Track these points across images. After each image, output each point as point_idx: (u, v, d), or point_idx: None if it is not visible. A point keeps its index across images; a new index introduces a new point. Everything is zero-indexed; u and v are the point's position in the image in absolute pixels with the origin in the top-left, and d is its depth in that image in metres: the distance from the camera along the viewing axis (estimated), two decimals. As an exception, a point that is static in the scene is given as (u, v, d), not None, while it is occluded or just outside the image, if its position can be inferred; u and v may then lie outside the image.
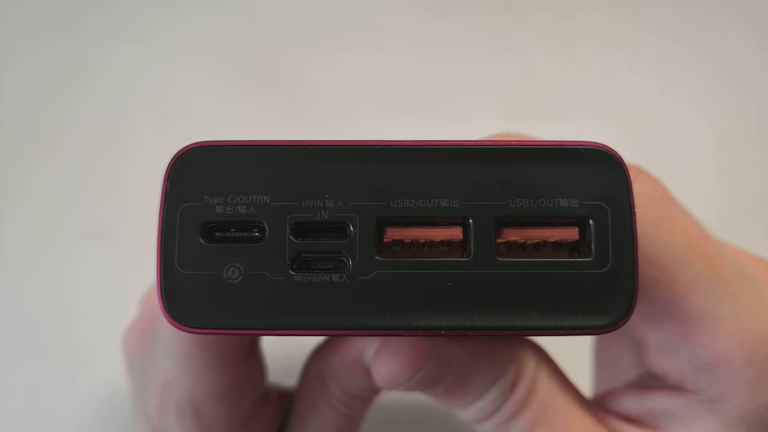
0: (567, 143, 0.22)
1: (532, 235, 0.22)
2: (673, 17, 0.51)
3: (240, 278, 0.21)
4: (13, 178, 0.45)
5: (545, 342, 0.28)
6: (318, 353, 0.29)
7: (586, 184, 0.21)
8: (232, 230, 0.21)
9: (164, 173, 0.21)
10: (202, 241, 0.21)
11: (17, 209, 0.44)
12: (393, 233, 0.21)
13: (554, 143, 0.22)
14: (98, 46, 0.48)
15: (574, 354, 0.32)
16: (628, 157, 0.27)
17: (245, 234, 0.21)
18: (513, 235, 0.22)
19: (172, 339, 0.27)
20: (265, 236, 0.21)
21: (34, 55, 0.48)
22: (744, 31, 0.51)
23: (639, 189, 0.25)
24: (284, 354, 0.33)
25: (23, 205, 0.44)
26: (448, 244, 0.22)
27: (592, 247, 0.21)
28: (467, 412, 0.27)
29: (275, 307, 0.21)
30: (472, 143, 0.22)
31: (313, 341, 0.30)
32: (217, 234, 0.21)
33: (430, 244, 0.22)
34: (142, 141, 0.44)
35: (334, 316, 0.21)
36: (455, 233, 0.21)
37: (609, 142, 0.27)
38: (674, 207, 0.26)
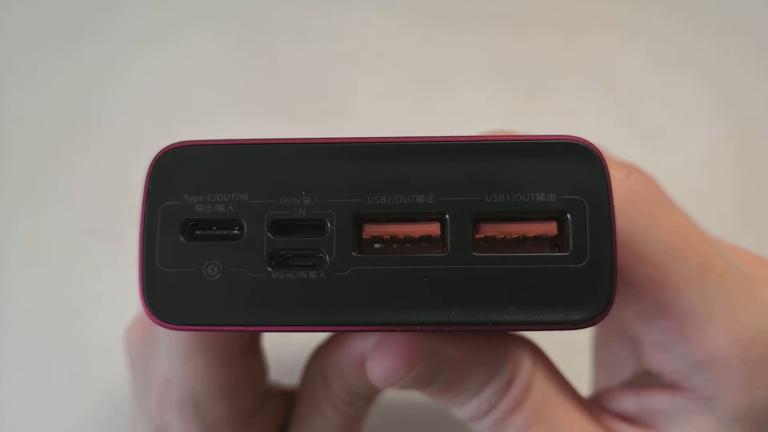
0: (544, 137, 0.21)
1: (509, 231, 0.21)
2: (670, 30, 0.51)
3: (219, 275, 0.21)
4: (14, 179, 0.46)
5: (542, 340, 0.28)
6: (320, 352, 0.29)
7: (564, 179, 0.21)
8: (214, 228, 0.22)
9: (146, 172, 0.22)
10: (182, 239, 0.21)
11: (18, 209, 0.45)
12: (371, 230, 0.22)
13: (531, 138, 0.22)
14: (100, 48, 0.49)
15: (571, 352, 0.32)
16: (629, 156, 0.27)
17: (224, 232, 0.22)
18: (490, 230, 0.21)
19: (171, 337, 0.27)
20: (243, 234, 0.21)
21: (36, 58, 0.49)
22: (741, 38, 0.50)
23: (632, 186, 0.25)
24: (286, 353, 0.33)
25: (24, 205, 0.45)
26: (428, 240, 0.22)
27: (570, 242, 0.21)
28: (463, 411, 0.27)
29: (253, 303, 0.21)
30: (447, 139, 0.22)
31: (314, 339, 0.30)
32: (197, 232, 0.22)
33: (410, 240, 0.22)
34: (143, 141, 0.45)
35: (311, 312, 0.21)
36: (433, 229, 0.21)
37: (610, 140, 0.27)
38: (668, 204, 0.25)
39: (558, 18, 0.51)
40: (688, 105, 0.49)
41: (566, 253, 0.21)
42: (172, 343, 0.27)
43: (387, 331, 0.22)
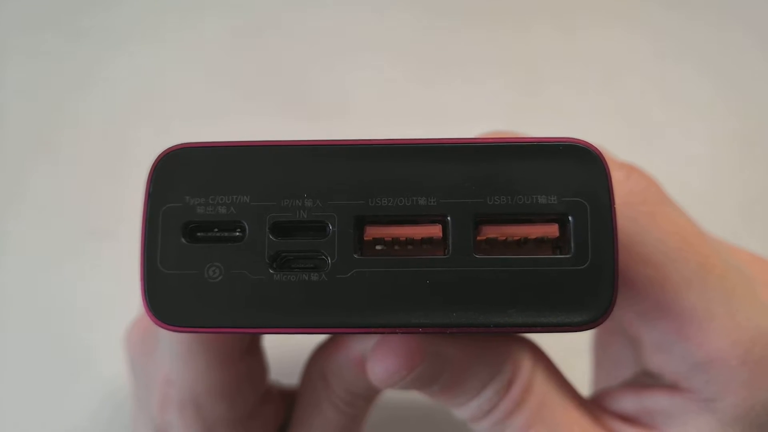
0: (545, 139, 0.21)
1: (511, 233, 0.21)
2: (672, 24, 0.51)
3: (221, 277, 0.21)
4: (14, 179, 0.46)
5: (542, 340, 0.28)
6: (320, 352, 0.29)
7: (565, 181, 0.21)
8: (215, 230, 0.22)
9: (147, 174, 0.22)
10: (184, 241, 0.21)
11: (19, 210, 0.45)
12: (373, 232, 0.22)
13: (532, 139, 0.22)
14: (99, 48, 0.49)
15: (572, 353, 0.32)
16: (629, 151, 0.27)
17: (226, 234, 0.22)
18: (492, 232, 0.21)
19: (172, 337, 0.27)
20: (245, 236, 0.21)
21: (34, 57, 0.49)
22: (742, 36, 0.50)
23: (633, 187, 0.25)
24: (286, 353, 0.33)
25: (25, 205, 0.45)
26: (429, 242, 0.22)
27: (572, 244, 0.21)
28: (463, 411, 0.27)
29: (255, 305, 0.21)
30: (449, 141, 0.22)
31: (314, 340, 0.30)
32: (198, 234, 0.22)
33: (412, 242, 0.22)
34: (142, 141, 0.45)
35: (313, 314, 0.21)
36: (435, 231, 0.21)
37: (609, 134, 0.27)
38: (668, 205, 0.26)
39: (558, 10, 0.51)
40: (689, 98, 0.49)
41: (568, 255, 0.21)
42: (172, 344, 0.27)
43: (389, 333, 0.22)
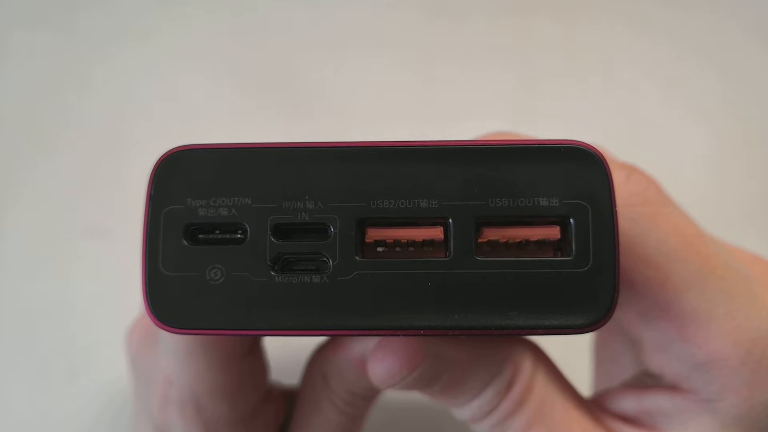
0: (547, 142, 0.21)
1: (512, 235, 0.22)
2: (673, 20, 0.50)
3: (222, 279, 0.21)
4: (12, 179, 0.46)
5: (543, 341, 0.28)
6: (321, 352, 0.29)
7: (567, 183, 0.21)
8: (217, 232, 0.22)
9: (149, 176, 0.22)
10: (185, 243, 0.21)
11: (17, 210, 0.45)
12: (374, 234, 0.22)
13: (534, 142, 0.22)
14: (97, 46, 0.49)
15: (572, 353, 0.32)
16: (629, 158, 0.27)
17: (228, 236, 0.22)
18: (493, 234, 0.22)
19: (173, 338, 0.27)
20: (246, 238, 0.21)
21: (32, 55, 0.49)
22: (744, 33, 0.50)
23: (633, 188, 0.25)
24: (287, 353, 0.33)
25: (23, 205, 0.45)
26: (431, 244, 0.22)
27: (573, 246, 0.21)
28: (464, 411, 0.27)
29: (256, 307, 0.21)
30: (450, 143, 0.22)
31: (314, 341, 0.30)
32: (200, 236, 0.22)
33: (414, 245, 0.22)
34: (141, 141, 0.45)
35: (314, 316, 0.21)
36: (436, 233, 0.21)
37: (609, 132, 0.27)
38: (669, 206, 0.26)
39: (559, 7, 0.51)
40: (690, 97, 0.49)
41: (569, 258, 0.21)
42: (173, 345, 0.27)
43: (390, 335, 0.22)
